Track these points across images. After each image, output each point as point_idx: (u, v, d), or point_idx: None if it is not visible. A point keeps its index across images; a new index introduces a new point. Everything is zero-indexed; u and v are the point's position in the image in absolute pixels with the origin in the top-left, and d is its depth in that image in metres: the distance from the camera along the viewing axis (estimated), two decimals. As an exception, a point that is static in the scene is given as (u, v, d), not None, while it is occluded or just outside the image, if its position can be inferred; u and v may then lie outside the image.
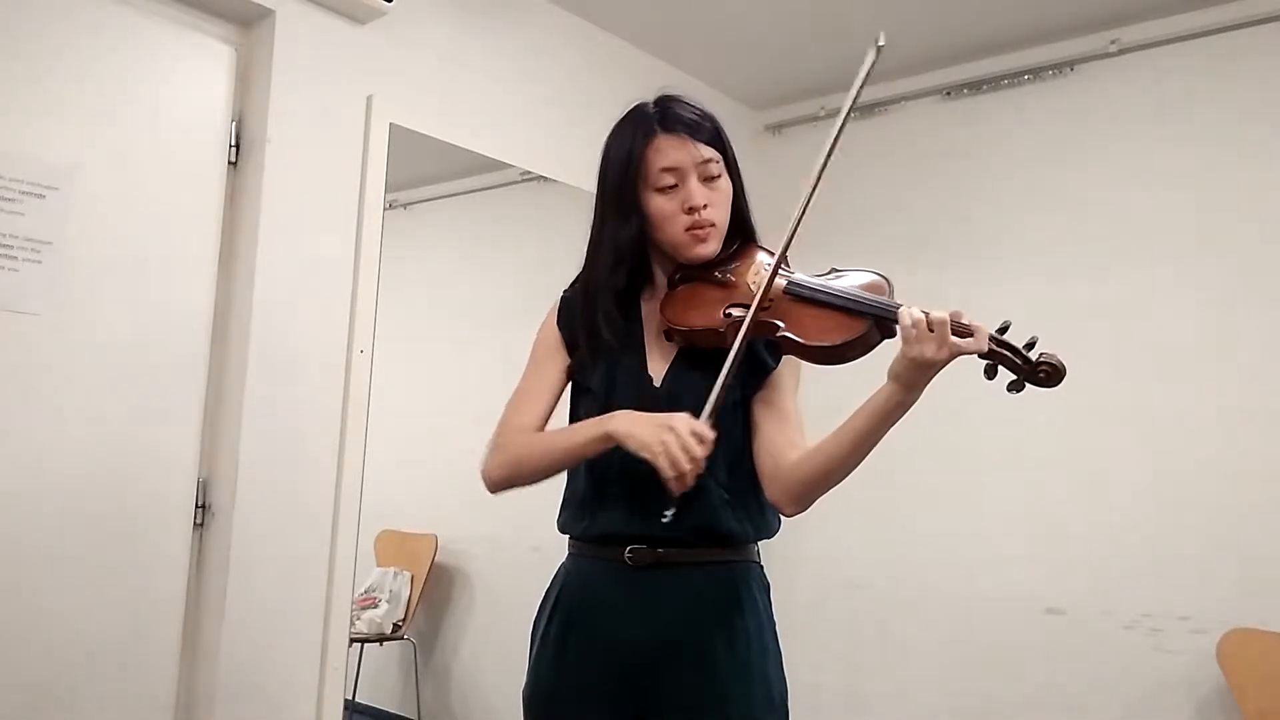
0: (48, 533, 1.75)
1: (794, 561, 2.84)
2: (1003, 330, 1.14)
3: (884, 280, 1.24)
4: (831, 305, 1.22)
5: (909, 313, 1.11)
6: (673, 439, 1.12)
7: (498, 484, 1.33)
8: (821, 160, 1.18)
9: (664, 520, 1.16)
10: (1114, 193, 2.67)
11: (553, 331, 1.39)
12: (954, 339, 1.09)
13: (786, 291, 1.25)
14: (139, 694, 1.87)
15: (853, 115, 1.16)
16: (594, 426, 1.22)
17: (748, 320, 1.20)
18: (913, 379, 1.12)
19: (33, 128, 1.76)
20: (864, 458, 1.19)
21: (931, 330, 1.09)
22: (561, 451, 1.27)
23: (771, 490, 1.28)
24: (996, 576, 2.74)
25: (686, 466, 1.12)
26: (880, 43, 1.18)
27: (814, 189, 1.18)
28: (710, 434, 1.15)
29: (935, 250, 2.97)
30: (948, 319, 1.09)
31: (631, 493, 1.27)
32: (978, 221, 2.92)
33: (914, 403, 1.14)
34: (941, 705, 2.79)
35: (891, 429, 1.16)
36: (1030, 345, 1.13)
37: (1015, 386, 1.14)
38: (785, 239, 1.23)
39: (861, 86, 1.18)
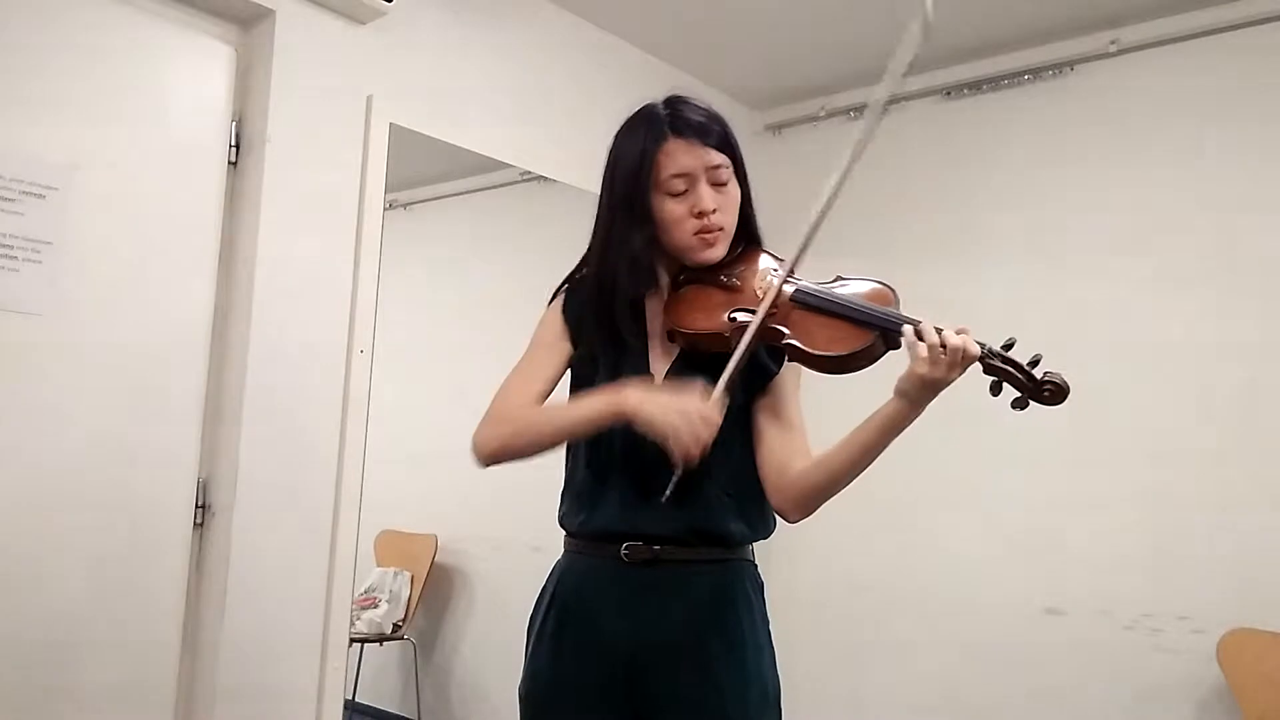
0: (47, 532, 1.75)
1: (794, 561, 2.84)
2: (1007, 347, 1.15)
3: (890, 290, 1.24)
4: (838, 315, 1.21)
5: (927, 330, 1.13)
6: (683, 424, 1.15)
7: (490, 455, 1.30)
8: (845, 164, 1.18)
9: (664, 499, 1.20)
10: (1114, 193, 2.66)
11: (557, 319, 1.38)
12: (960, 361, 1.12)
13: (793, 299, 1.24)
14: (139, 693, 1.87)
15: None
16: (603, 402, 1.22)
17: (753, 328, 1.20)
18: (921, 397, 1.15)
19: (33, 127, 1.76)
20: (868, 467, 1.21)
21: (944, 353, 1.11)
22: (567, 424, 1.28)
23: (776, 498, 1.30)
24: (996, 576, 2.74)
25: (695, 452, 1.15)
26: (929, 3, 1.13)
27: (833, 197, 1.18)
28: (718, 419, 1.17)
29: (935, 250, 2.96)
30: (961, 344, 1.11)
31: (629, 486, 1.28)
32: (977, 221, 2.91)
33: (918, 416, 1.17)
34: (941, 705, 2.78)
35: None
36: (1034, 363, 1.14)
37: (1019, 404, 1.15)
38: (798, 249, 1.23)
39: (906, 64, 1.17)
